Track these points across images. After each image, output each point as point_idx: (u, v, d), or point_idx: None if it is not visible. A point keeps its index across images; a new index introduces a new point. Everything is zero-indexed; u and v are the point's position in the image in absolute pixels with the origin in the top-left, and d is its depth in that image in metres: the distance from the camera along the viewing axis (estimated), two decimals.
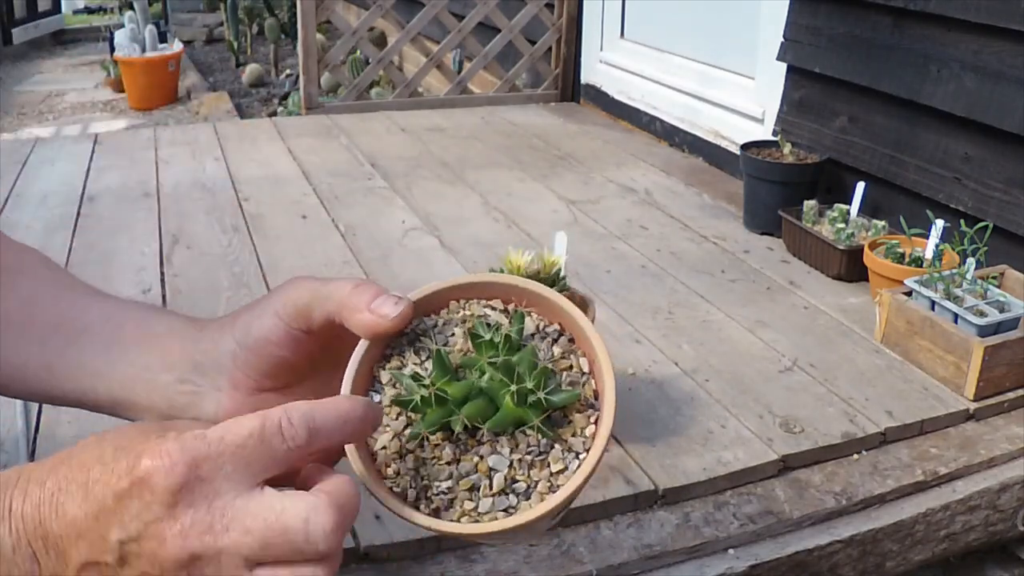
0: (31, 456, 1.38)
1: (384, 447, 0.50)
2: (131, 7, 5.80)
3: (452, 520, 0.48)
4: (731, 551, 1.26)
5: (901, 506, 1.37)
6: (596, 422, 0.49)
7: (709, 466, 1.36)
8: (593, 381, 0.51)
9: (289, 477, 0.44)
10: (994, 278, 1.71)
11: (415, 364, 0.52)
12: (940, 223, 1.82)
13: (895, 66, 2.18)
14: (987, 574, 1.54)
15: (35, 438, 1.41)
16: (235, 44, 6.65)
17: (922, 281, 1.67)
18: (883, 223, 2.06)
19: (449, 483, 0.49)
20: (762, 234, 2.32)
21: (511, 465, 0.49)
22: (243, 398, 0.55)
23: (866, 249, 1.92)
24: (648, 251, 2.20)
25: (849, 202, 2.12)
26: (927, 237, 1.83)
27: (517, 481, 0.48)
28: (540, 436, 0.49)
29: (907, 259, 1.86)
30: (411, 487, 0.49)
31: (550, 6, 3.65)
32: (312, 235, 2.27)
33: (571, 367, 0.51)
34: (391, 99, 3.65)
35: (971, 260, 1.65)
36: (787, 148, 2.34)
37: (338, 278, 0.52)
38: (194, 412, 0.55)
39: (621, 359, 1.66)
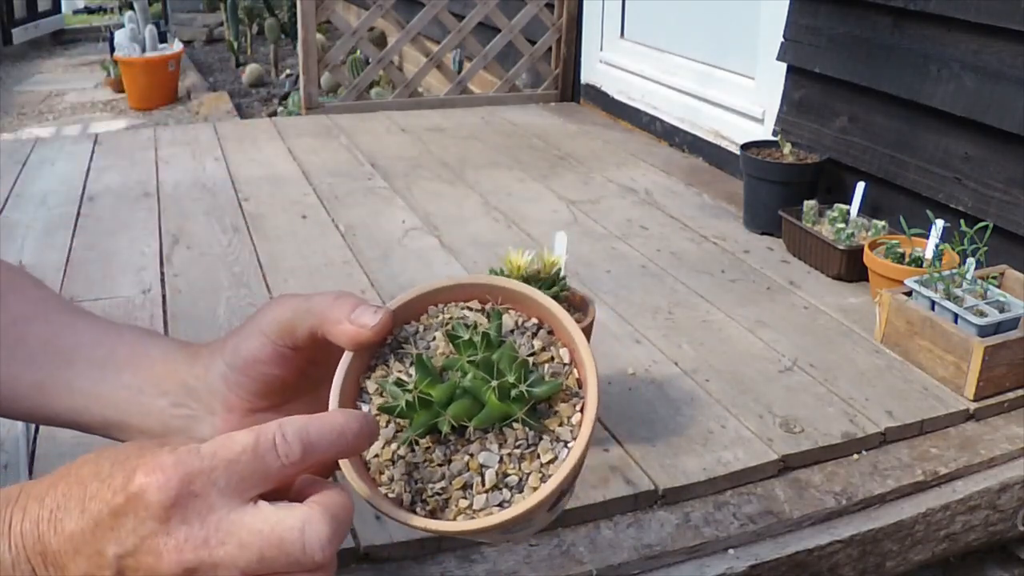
0: (31, 456, 1.38)
1: (376, 455, 0.51)
2: (131, 7, 5.80)
3: (449, 519, 0.48)
4: (731, 551, 1.26)
5: (901, 506, 1.37)
6: (582, 409, 0.50)
7: (709, 466, 1.36)
8: (576, 370, 0.52)
9: (282, 491, 0.44)
10: (994, 278, 1.71)
11: (399, 371, 0.52)
12: (940, 223, 1.82)
13: (895, 66, 2.18)
14: (987, 574, 1.54)
15: (35, 438, 1.41)
16: (235, 44, 6.65)
17: (922, 281, 1.67)
18: (883, 223, 2.06)
19: (443, 484, 0.49)
20: (762, 234, 2.32)
21: (501, 460, 0.49)
22: (238, 419, 0.56)
23: (866, 249, 1.92)
24: (648, 251, 2.20)
25: (849, 202, 2.12)
26: (927, 237, 1.83)
27: (509, 475, 0.49)
28: (527, 429, 0.49)
29: (907, 259, 1.86)
30: (406, 491, 0.49)
31: (550, 6, 3.65)
32: (312, 235, 2.27)
33: (552, 358, 0.52)
34: (391, 99, 3.65)
35: (971, 260, 1.65)
36: (787, 148, 2.34)
37: (319, 292, 0.53)
38: (189, 435, 0.56)
39: (621, 359, 1.66)
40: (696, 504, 1.32)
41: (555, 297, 1.28)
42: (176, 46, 5.89)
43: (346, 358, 0.52)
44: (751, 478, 1.37)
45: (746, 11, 2.78)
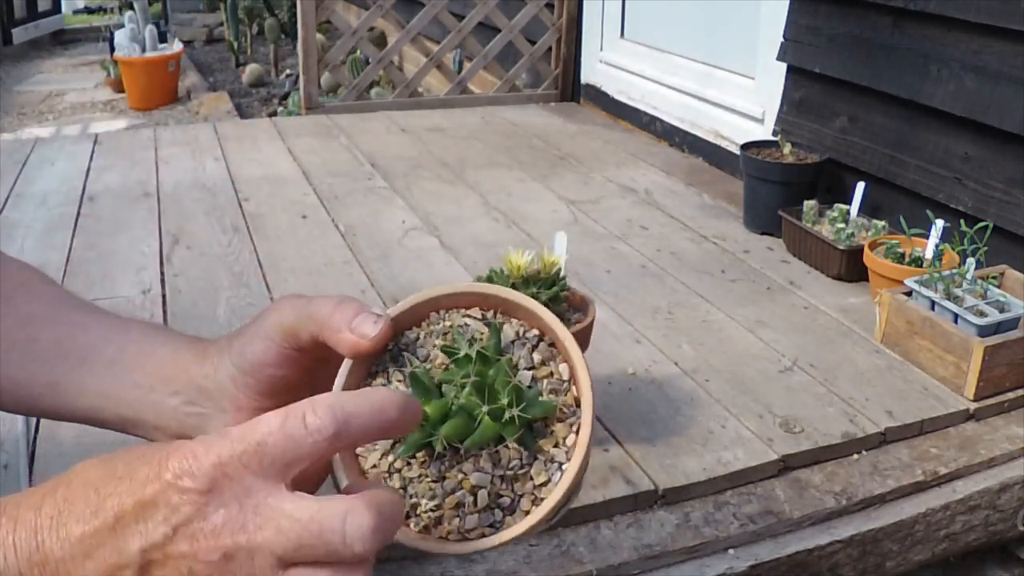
0: (31, 456, 1.38)
1: (374, 465, 0.51)
2: (131, 7, 5.80)
3: (440, 538, 0.48)
4: (731, 551, 1.26)
5: (901, 506, 1.37)
6: (578, 430, 0.49)
7: (709, 466, 1.36)
8: (575, 387, 0.51)
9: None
10: (994, 278, 1.71)
11: (399, 381, 0.52)
12: (940, 223, 1.82)
13: (895, 66, 2.18)
14: (987, 574, 1.54)
15: (35, 438, 1.41)
16: (235, 44, 6.65)
17: (922, 281, 1.67)
18: (883, 223, 2.06)
19: (436, 501, 0.49)
20: (762, 234, 2.32)
21: (494, 481, 0.48)
22: (248, 418, 0.55)
23: (866, 249, 1.92)
24: (648, 251, 2.20)
25: (849, 202, 2.12)
26: (927, 237, 1.83)
27: (502, 496, 0.48)
28: (521, 449, 0.48)
29: (907, 259, 1.86)
30: None
31: (550, 6, 3.65)
32: (312, 235, 2.27)
33: (552, 374, 0.51)
34: (391, 99, 3.65)
35: (971, 260, 1.65)
36: (787, 148, 2.34)
37: (321, 296, 0.52)
38: (202, 433, 0.56)
39: (621, 359, 1.66)
40: (696, 504, 1.32)
41: (555, 297, 1.28)
42: (176, 46, 5.89)
43: (346, 364, 0.52)
44: (751, 478, 1.37)
45: (746, 11, 2.78)
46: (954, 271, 1.65)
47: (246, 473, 0.40)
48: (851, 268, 2.00)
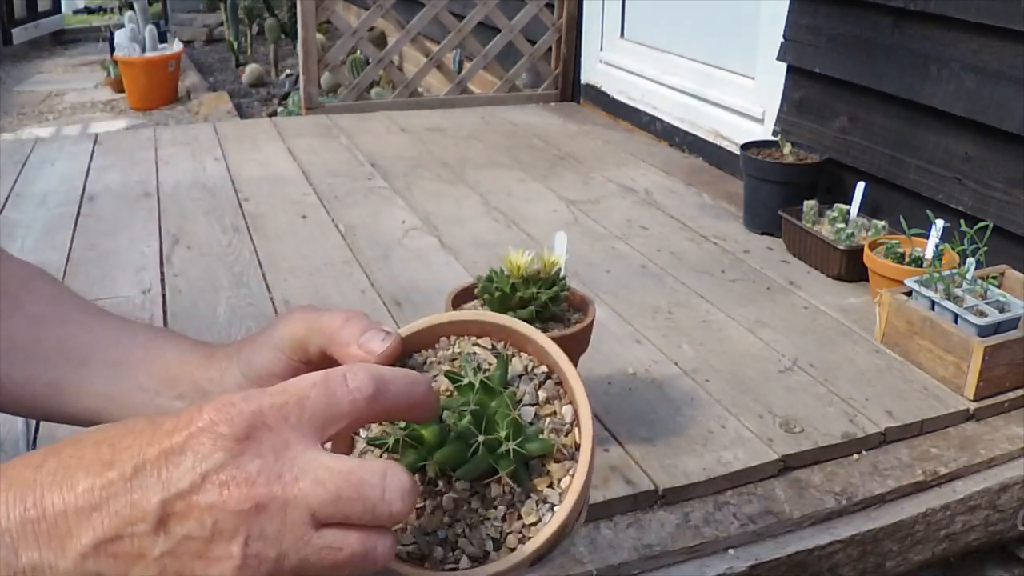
0: None
1: None
2: (131, 7, 5.80)
3: (424, 567, 0.47)
4: (731, 551, 1.26)
5: (901, 506, 1.37)
6: (574, 475, 0.48)
7: (709, 466, 1.36)
8: (577, 431, 0.50)
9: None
10: (994, 278, 1.71)
11: None
12: (940, 223, 1.82)
13: (895, 66, 2.18)
14: (987, 574, 1.54)
15: (35, 438, 1.41)
16: (235, 44, 6.65)
17: (922, 281, 1.67)
18: (883, 223, 2.06)
19: (423, 528, 0.48)
20: (762, 234, 2.32)
21: (480, 513, 0.48)
22: None
23: (866, 249, 1.92)
24: (648, 251, 2.20)
25: (849, 202, 2.12)
26: (927, 237, 1.83)
27: (489, 531, 0.47)
28: (515, 485, 0.47)
29: (907, 259, 1.86)
30: None
31: (550, 6, 3.65)
32: (312, 235, 2.27)
33: (555, 413, 0.50)
34: (391, 99, 3.65)
35: (971, 260, 1.65)
36: (787, 148, 2.34)
37: (331, 310, 0.52)
38: None
39: (621, 359, 1.66)
40: (696, 504, 1.32)
41: (555, 297, 1.28)
42: (176, 46, 5.89)
43: None
44: (751, 478, 1.37)
45: (746, 11, 2.78)
46: (954, 271, 1.65)
47: (285, 426, 0.39)
48: (851, 268, 2.00)
